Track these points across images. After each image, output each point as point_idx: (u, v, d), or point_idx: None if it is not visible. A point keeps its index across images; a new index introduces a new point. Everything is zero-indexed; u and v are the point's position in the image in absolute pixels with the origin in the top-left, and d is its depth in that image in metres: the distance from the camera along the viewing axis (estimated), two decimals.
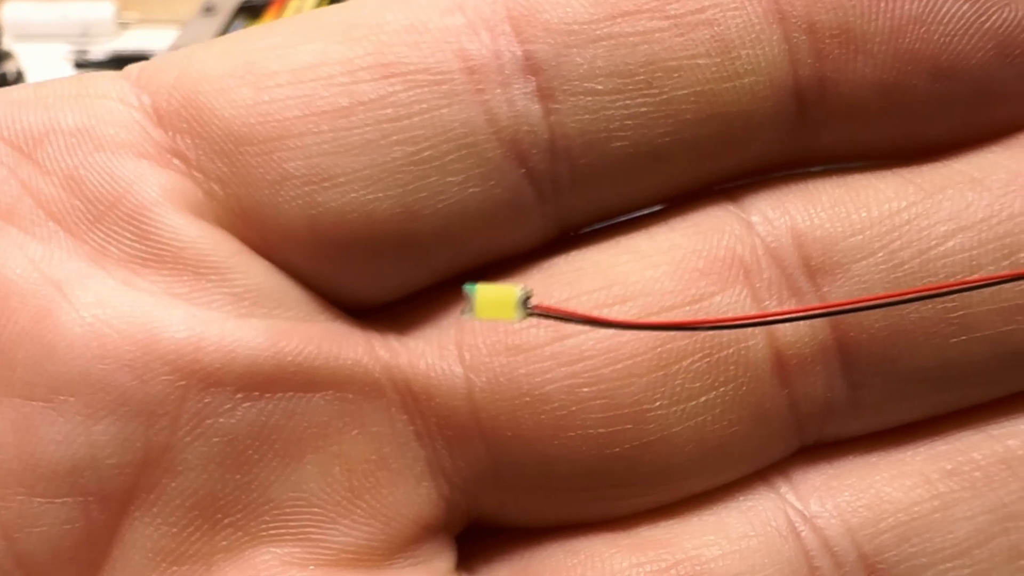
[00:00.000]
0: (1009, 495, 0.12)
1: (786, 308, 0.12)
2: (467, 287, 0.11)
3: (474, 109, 0.11)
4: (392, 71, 0.11)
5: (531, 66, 0.12)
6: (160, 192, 0.11)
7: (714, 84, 0.12)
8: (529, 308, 0.11)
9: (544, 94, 0.12)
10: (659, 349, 0.12)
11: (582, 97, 0.12)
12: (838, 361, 0.12)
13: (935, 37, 0.12)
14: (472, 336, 0.12)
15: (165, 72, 0.12)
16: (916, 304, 0.11)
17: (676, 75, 0.12)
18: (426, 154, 0.11)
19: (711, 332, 0.12)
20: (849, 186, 0.12)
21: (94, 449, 0.11)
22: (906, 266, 0.12)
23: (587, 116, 0.12)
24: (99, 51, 0.74)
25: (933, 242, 0.12)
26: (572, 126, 0.12)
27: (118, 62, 0.75)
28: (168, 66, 0.12)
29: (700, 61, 0.12)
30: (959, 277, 0.11)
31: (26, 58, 0.64)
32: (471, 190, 0.12)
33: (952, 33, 0.12)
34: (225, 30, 0.70)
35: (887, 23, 0.12)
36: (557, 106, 0.12)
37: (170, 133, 0.12)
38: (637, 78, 0.12)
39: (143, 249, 0.11)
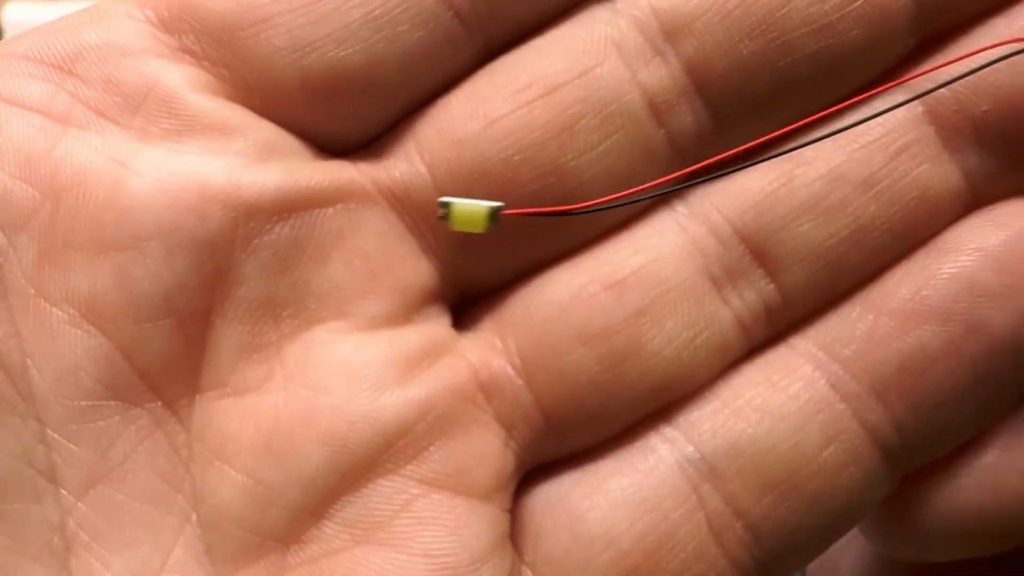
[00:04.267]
0: (827, 168, 0.15)
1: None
2: (443, 200, 0.14)
3: None
4: None
5: None
6: (181, 79, 0.14)
7: None
8: (498, 217, 0.14)
9: None
10: (560, 117, 0.14)
11: None
12: (699, 98, 0.15)
13: None
14: (426, 141, 0.15)
15: None
16: (746, 40, 0.15)
17: None
18: (377, 12, 0.14)
19: (600, 90, 0.15)
20: None
21: (178, 278, 0.14)
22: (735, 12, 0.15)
23: None
24: None
25: None
26: None
27: None
28: None
29: None
30: (781, 8, 0.15)
31: None
32: (417, 35, 0.14)
33: None
34: None
35: None
36: None
37: (176, 35, 0.14)
38: None
39: (178, 123, 0.14)
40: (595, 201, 0.15)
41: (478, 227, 0.14)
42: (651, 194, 0.15)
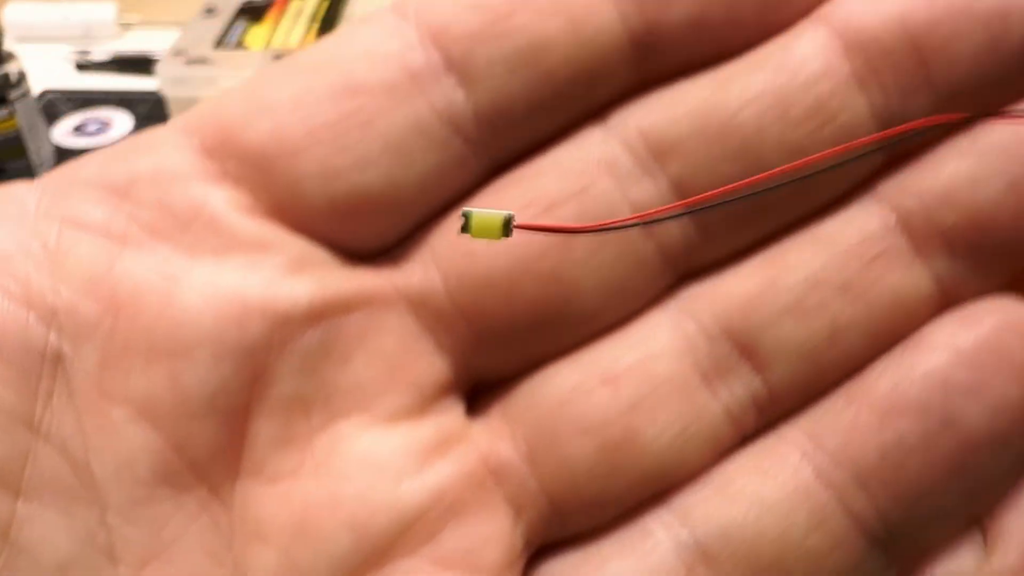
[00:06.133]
0: (806, 274, 0.16)
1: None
2: (465, 210, 0.15)
3: (421, 104, 0.16)
4: (359, 90, 0.16)
5: (450, 65, 0.16)
6: (224, 202, 0.16)
7: (567, 49, 0.16)
8: (511, 228, 0.15)
9: (463, 82, 0.16)
10: (557, 244, 0.16)
11: (487, 80, 0.16)
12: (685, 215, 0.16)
13: None
14: (440, 251, 0.16)
15: (204, 119, 0.16)
16: (727, 162, 0.16)
17: (544, 52, 0.16)
18: (395, 143, 0.16)
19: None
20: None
21: (222, 381, 0.15)
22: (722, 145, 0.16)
23: (493, 91, 0.16)
24: (101, 52, 0.75)
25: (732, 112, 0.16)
26: (485, 99, 0.16)
27: (119, 63, 0.75)
28: (205, 114, 0.16)
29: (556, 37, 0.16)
30: (757, 135, 0.16)
31: (28, 59, 0.64)
32: (430, 160, 0.16)
33: None
34: (226, 31, 0.71)
35: None
36: (473, 88, 0.16)
37: (218, 162, 0.16)
38: (521, 57, 0.16)
39: (222, 241, 0.16)
40: (599, 223, 0.16)
41: (494, 234, 0.15)
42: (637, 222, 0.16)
